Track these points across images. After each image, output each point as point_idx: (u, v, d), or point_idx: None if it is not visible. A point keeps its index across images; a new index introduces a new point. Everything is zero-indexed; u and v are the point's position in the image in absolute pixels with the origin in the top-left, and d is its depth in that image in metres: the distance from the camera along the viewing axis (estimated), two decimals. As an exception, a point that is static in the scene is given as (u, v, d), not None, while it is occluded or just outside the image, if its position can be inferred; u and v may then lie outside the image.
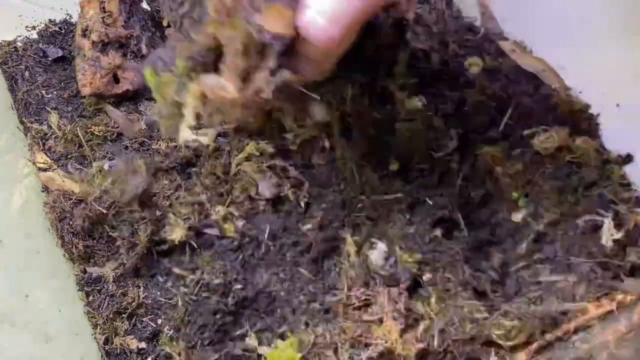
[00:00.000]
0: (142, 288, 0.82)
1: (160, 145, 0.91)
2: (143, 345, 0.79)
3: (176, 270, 0.83)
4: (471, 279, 0.80)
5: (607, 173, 0.89)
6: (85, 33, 0.93)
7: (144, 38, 0.97)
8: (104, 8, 0.94)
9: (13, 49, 0.99)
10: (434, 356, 0.75)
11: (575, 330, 0.77)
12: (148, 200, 0.84)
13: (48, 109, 0.93)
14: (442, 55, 0.96)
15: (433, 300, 0.77)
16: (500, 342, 0.75)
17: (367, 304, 0.77)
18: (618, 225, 0.84)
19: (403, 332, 0.74)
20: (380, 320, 0.75)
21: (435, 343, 0.73)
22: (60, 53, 0.99)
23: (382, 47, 0.83)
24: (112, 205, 0.85)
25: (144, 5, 1.04)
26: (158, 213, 0.85)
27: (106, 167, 0.87)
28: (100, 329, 0.81)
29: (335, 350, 0.75)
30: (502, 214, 0.89)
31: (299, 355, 0.75)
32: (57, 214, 0.85)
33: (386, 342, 0.73)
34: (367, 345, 0.74)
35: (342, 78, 0.80)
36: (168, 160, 0.89)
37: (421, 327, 0.74)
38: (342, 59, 0.65)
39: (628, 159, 0.90)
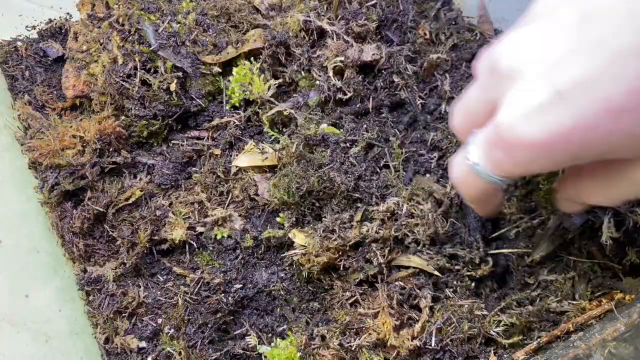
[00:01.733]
0: (142, 287, 0.82)
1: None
2: (143, 344, 0.79)
3: (176, 269, 0.83)
4: (471, 278, 0.81)
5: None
6: (76, 36, 0.93)
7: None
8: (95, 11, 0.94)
9: (13, 49, 0.99)
10: (432, 355, 0.74)
11: (575, 329, 0.77)
12: None
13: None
14: (439, 56, 0.96)
15: (430, 300, 0.77)
16: (499, 339, 0.75)
17: (363, 300, 0.77)
18: (617, 225, 0.84)
19: (398, 328, 0.73)
20: (375, 315, 0.74)
21: (433, 342, 0.73)
22: (60, 52, 0.99)
23: None
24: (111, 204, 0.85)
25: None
26: (158, 212, 0.85)
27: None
28: (100, 328, 0.81)
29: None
30: (503, 212, 0.89)
31: (299, 354, 0.75)
32: (57, 213, 0.85)
33: (379, 333, 0.73)
34: (358, 333, 0.74)
35: None
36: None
37: (418, 325, 0.74)
38: None
39: (627, 158, 0.90)
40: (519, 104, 0.45)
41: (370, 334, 0.74)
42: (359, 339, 0.74)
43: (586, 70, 0.41)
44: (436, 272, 0.77)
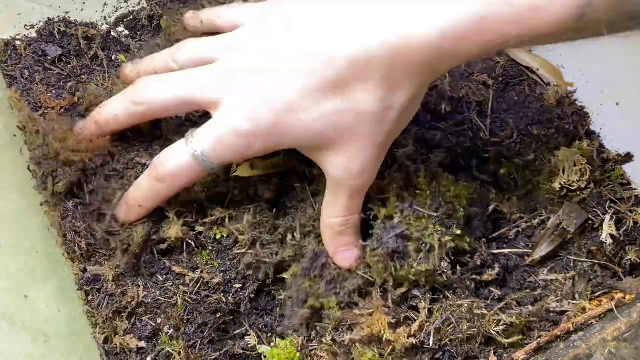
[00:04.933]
0: (141, 287, 0.82)
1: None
2: (143, 344, 0.79)
3: (176, 269, 0.83)
4: (471, 277, 0.81)
5: (606, 172, 0.89)
6: None
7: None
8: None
9: (12, 48, 0.99)
10: (431, 354, 0.74)
11: (575, 329, 0.77)
12: None
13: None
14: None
15: (429, 301, 0.77)
16: (499, 339, 0.75)
17: (359, 299, 0.77)
18: (617, 224, 0.84)
19: (394, 326, 0.73)
20: (370, 315, 0.74)
21: (431, 341, 0.73)
22: (59, 52, 0.99)
23: None
24: None
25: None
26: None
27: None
28: (99, 328, 0.81)
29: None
30: (503, 212, 0.89)
31: (298, 354, 0.75)
32: (59, 212, 0.85)
33: (373, 329, 0.72)
34: (351, 329, 0.74)
35: None
36: None
37: (415, 325, 0.74)
38: None
39: (627, 158, 0.90)
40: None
41: (363, 328, 0.73)
42: (352, 334, 0.73)
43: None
44: (438, 285, 0.77)
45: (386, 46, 0.57)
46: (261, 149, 0.67)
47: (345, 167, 0.67)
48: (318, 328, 0.76)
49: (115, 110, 0.78)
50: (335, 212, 0.72)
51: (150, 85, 0.76)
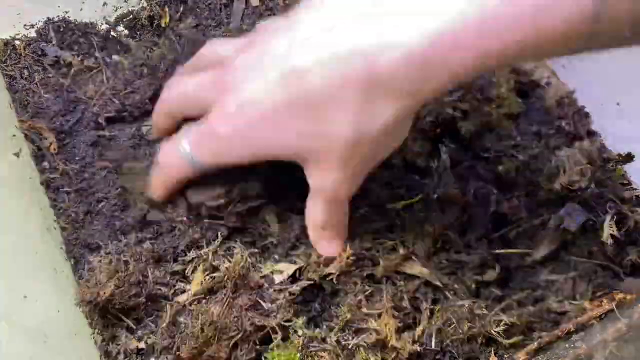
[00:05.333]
0: (141, 287, 0.82)
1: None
2: (143, 345, 0.79)
3: (176, 267, 0.83)
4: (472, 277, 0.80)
5: (607, 172, 0.89)
6: None
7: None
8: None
9: (11, 48, 0.99)
10: (432, 356, 0.74)
11: (576, 330, 0.77)
12: None
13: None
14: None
15: (430, 300, 0.77)
16: (500, 339, 0.75)
17: (367, 300, 0.77)
18: (618, 225, 0.84)
19: (400, 330, 0.73)
20: (379, 316, 0.74)
21: (433, 343, 0.73)
22: (59, 52, 0.99)
23: None
24: None
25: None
26: None
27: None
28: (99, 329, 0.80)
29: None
30: (503, 213, 0.89)
31: (299, 354, 0.75)
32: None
33: (379, 334, 0.72)
34: (357, 332, 0.73)
35: None
36: None
37: (419, 328, 0.74)
38: None
39: (628, 158, 0.90)
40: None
41: (370, 334, 0.73)
42: (357, 339, 0.73)
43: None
44: (439, 283, 0.77)
45: (363, 59, 0.51)
46: (240, 157, 0.65)
47: (320, 182, 0.65)
48: (324, 326, 0.76)
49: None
50: (316, 212, 0.71)
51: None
